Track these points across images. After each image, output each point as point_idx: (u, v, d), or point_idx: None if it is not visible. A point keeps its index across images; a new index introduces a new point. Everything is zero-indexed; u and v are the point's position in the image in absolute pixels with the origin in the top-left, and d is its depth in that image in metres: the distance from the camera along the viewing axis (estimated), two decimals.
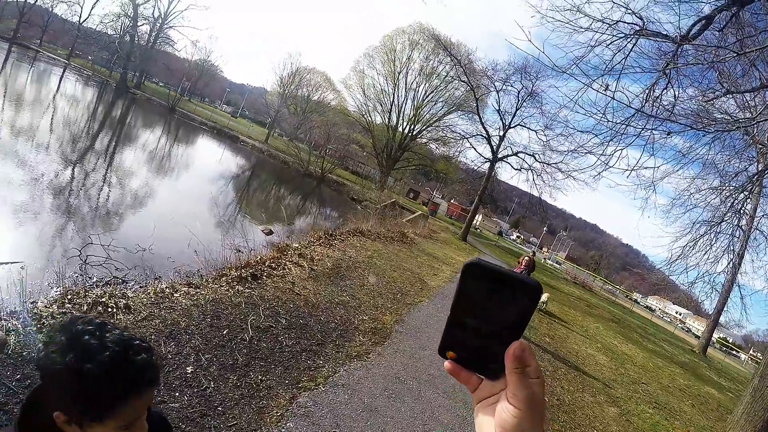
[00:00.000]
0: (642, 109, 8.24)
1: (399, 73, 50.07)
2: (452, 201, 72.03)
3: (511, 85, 33.95)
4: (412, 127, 50.87)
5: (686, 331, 66.33)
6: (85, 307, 5.35)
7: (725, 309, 21.81)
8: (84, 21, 68.00)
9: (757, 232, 15.60)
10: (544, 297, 16.95)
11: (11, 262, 7.55)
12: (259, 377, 5.11)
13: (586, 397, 9.27)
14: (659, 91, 8.56)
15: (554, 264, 72.61)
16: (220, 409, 4.42)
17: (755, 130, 10.63)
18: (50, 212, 10.53)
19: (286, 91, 60.33)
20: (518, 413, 0.59)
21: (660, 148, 9.42)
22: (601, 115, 8.20)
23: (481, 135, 35.61)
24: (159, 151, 21.23)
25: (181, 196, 13.82)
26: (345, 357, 6.36)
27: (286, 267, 8.97)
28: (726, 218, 14.58)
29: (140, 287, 6.74)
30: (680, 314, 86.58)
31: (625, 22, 8.14)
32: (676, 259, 14.53)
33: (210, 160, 21.17)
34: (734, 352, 59.76)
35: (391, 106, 50.90)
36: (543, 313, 16.71)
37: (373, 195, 31.61)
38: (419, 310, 10.01)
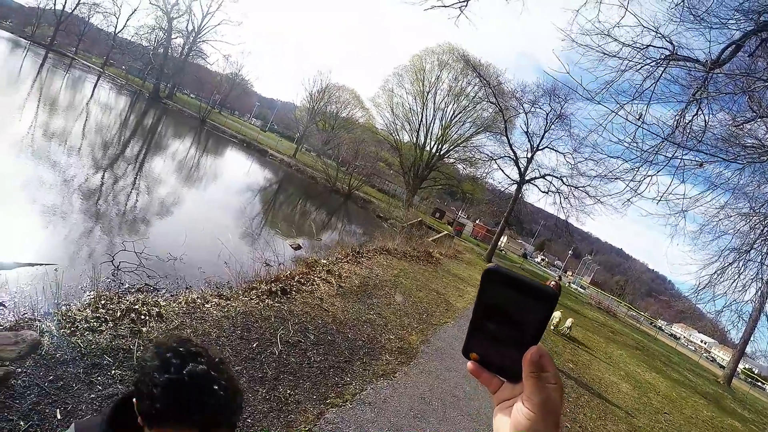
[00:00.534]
0: (672, 136, 8.13)
1: (427, 93, 50.33)
2: (477, 222, 71.73)
3: (540, 108, 33.99)
4: (439, 146, 50.96)
5: (711, 360, 64.25)
6: (119, 313, 5.39)
7: (752, 339, 21.23)
8: (119, 32, 70.43)
9: None
10: (568, 322, 16.91)
11: (46, 264, 7.69)
12: (288, 391, 5.11)
13: (608, 425, 9.07)
14: (689, 117, 8.43)
15: (578, 288, 71.56)
16: (249, 421, 4.41)
17: None
18: (82, 216, 10.74)
19: (316, 107, 61.04)
20: (532, 416, 0.61)
21: (690, 174, 9.24)
22: (630, 140, 8.11)
23: (509, 156, 35.60)
24: (189, 160, 21.58)
25: (210, 206, 13.98)
26: (372, 375, 6.35)
27: (314, 283, 8.98)
28: (755, 245, 14.16)
29: (171, 296, 6.81)
30: (705, 343, 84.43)
31: (655, 47, 8.09)
32: (704, 287, 14.14)
33: (238, 172, 21.43)
34: (760, 384, 57.67)
35: (419, 125, 51.10)
36: (566, 338, 16.49)
37: (399, 213, 31.59)
38: (445, 330, 9.95)
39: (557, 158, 36.85)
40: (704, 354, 64.44)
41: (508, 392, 0.68)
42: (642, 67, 8.25)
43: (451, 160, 53.48)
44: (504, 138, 36.34)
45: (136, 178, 15.69)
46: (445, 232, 32.83)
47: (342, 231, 17.65)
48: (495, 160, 37.71)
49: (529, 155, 34.36)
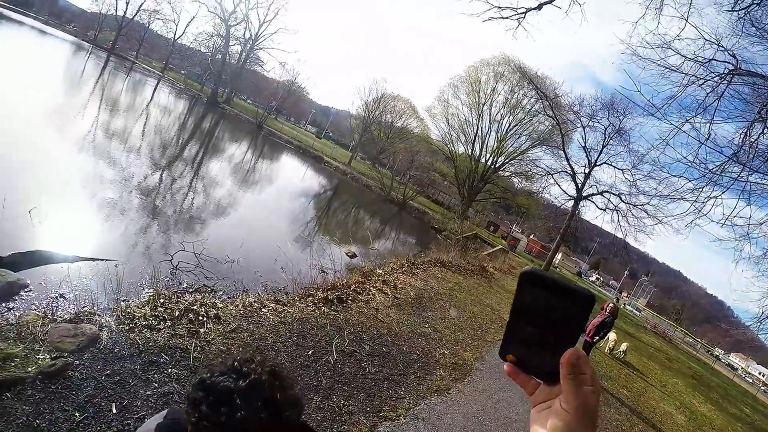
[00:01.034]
0: (737, 155, 7.69)
1: (483, 105, 49.76)
2: (532, 237, 70.54)
3: (598, 122, 33.32)
4: (495, 159, 50.26)
5: None
6: (177, 313, 5.41)
7: None
8: (178, 38, 73.63)
9: None
10: (623, 346, 16.57)
11: (106, 259, 7.88)
12: (342, 402, 5.04)
13: None
14: (755, 135, 7.94)
15: (634, 310, 69.09)
16: None
17: None
18: (141, 214, 11.07)
19: (371, 116, 61.52)
20: (569, 419, 0.61)
21: (757, 197, 8.67)
22: (693, 158, 7.74)
23: (566, 171, 34.93)
24: (245, 164, 21.99)
25: (266, 211, 14.15)
26: (426, 390, 6.19)
27: (370, 293, 8.87)
28: None
29: (229, 298, 6.85)
30: (764, 376, 79.89)
31: (717, 60, 7.72)
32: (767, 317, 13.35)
33: (294, 178, 21.70)
34: None
35: (475, 137, 50.56)
36: (621, 362, 15.98)
37: (454, 225, 31.29)
38: (499, 348, 9.61)
39: (615, 174, 35.84)
40: (762, 388, 60.94)
41: (544, 394, 0.68)
42: (705, 81, 7.98)
43: (507, 174, 52.75)
44: (561, 152, 35.83)
45: (193, 179, 16.07)
46: (500, 247, 32.30)
47: (396, 241, 17.53)
48: (552, 174, 37.19)
49: (587, 170, 33.78)
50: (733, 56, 7.61)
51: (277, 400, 1.11)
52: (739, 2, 7.33)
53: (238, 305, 6.11)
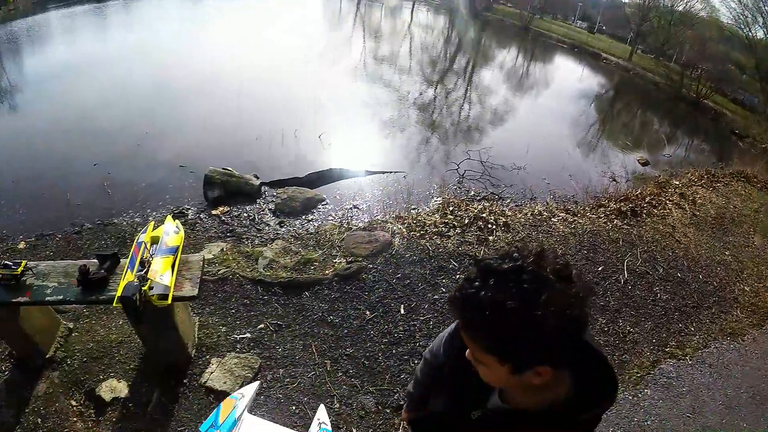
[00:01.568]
0: None
1: None
2: None
3: None
4: None
5: None
6: (466, 221, 5.51)
7: None
8: None
9: None
10: None
11: (395, 172, 8.44)
12: (628, 327, 4.72)
13: None
14: None
15: None
16: None
17: None
18: (422, 129, 11.64)
19: (647, 2, 54.56)
20: None
21: None
22: None
23: None
24: (518, 69, 21.41)
25: (544, 115, 13.60)
26: (718, 331, 5.29)
27: (666, 207, 7.88)
28: None
29: (516, 206, 6.87)
30: None
31: None
32: None
33: (570, 79, 20.45)
34: None
35: None
36: None
37: (760, 130, 26.49)
38: None
39: None
40: None
41: None
42: None
43: None
44: None
45: (467, 90, 16.17)
46: None
47: (689, 147, 15.44)
48: None
49: None
50: None
51: (535, 295, 0.92)
52: None
53: (526, 213, 6.01)
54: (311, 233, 6.03)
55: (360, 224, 5.98)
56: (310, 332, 4.10)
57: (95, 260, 3.23)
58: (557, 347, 0.96)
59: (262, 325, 4.14)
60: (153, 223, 3.55)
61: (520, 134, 11.17)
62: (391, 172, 8.48)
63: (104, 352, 3.86)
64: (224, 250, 5.26)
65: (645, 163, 10.17)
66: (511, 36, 30.26)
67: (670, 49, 27.33)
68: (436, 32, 29.88)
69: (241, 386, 3.46)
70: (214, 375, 3.58)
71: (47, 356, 3.71)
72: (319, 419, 2.72)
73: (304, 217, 6.93)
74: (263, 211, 7.05)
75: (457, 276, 4.70)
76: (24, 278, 3.11)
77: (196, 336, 3.91)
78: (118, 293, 2.79)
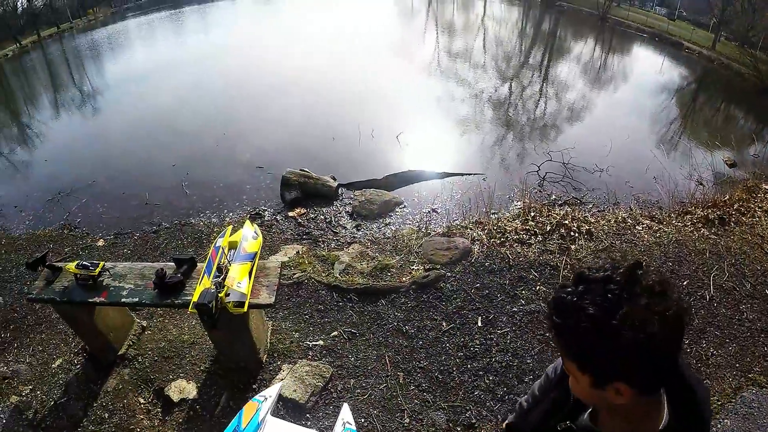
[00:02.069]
0: None
1: None
2: None
3: None
4: None
5: None
6: (548, 228, 5.33)
7: None
8: None
9: None
10: None
11: (474, 174, 8.37)
12: (711, 350, 4.26)
13: None
14: None
15: None
16: None
17: None
18: (499, 127, 11.43)
19: None
20: None
21: None
22: None
23: None
24: (595, 62, 20.67)
25: (627, 111, 12.92)
26: None
27: (755, 214, 7.27)
28: None
29: (599, 212, 6.49)
30: None
31: None
32: None
33: (650, 71, 19.47)
34: None
35: None
36: None
37: None
38: None
39: None
40: None
41: None
42: None
43: None
44: None
45: (543, 85, 15.74)
46: None
47: None
48: None
49: None
50: None
51: (616, 306, 0.93)
52: None
53: (609, 220, 5.71)
54: (388, 238, 6.00)
55: (438, 229, 5.84)
56: (384, 342, 4.05)
57: (172, 263, 3.32)
58: (635, 363, 0.96)
59: (335, 333, 4.12)
60: (231, 226, 3.58)
61: (599, 132, 10.69)
62: (470, 174, 8.33)
63: (176, 351, 3.97)
64: (300, 253, 5.28)
65: (732, 165, 9.53)
66: (588, 26, 29.15)
67: (755, 35, 25.31)
68: (509, 25, 29.24)
69: (311, 396, 3.49)
70: (285, 382, 3.54)
71: (119, 353, 3.87)
72: (343, 419, 2.68)
73: (381, 220, 6.90)
74: (340, 213, 7.10)
75: (537, 287, 4.51)
76: (101, 279, 3.24)
77: (268, 341, 3.93)
78: (194, 299, 2.83)
